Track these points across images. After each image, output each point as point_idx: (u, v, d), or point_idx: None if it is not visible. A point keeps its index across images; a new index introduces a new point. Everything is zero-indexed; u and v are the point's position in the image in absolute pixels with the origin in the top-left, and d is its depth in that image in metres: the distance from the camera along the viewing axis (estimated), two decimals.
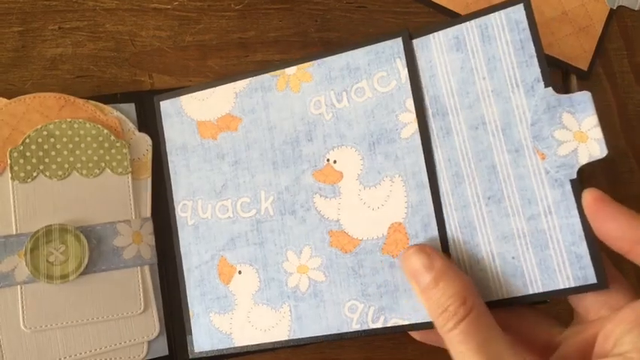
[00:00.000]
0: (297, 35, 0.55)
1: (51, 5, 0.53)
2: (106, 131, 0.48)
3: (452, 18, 0.55)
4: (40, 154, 0.47)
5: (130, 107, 0.50)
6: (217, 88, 0.49)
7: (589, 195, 0.39)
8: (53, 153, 0.47)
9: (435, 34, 0.44)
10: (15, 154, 0.46)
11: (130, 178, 0.49)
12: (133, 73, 0.53)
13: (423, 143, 0.44)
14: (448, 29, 0.44)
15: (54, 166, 0.47)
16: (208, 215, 0.48)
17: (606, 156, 0.39)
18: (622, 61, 0.58)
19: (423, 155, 0.44)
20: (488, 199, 0.42)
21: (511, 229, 0.41)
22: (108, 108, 0.49)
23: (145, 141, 0.50)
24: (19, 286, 0.45)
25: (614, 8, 0.57)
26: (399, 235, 0.44)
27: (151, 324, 0.47)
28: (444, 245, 0.43)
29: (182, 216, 0.49)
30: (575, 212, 0.40)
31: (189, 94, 0.50)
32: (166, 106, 0.51)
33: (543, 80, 0.41)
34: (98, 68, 0.53)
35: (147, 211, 0.49)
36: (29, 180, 0.46)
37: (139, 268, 0.48)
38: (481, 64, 0.43)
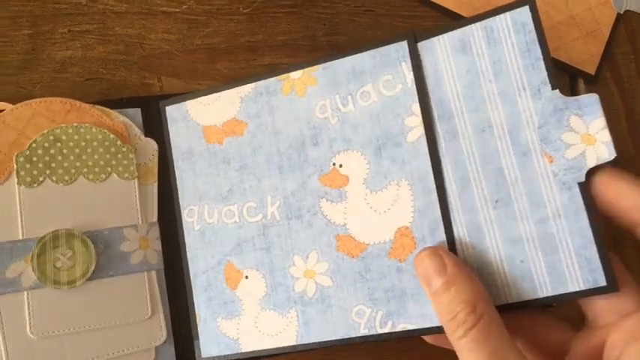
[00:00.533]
0: (306, 39, 0.52)
1: (61, 8, 0.49)
2: (112, 136, 0.44)
3: (454, 20, 0.51)
4: (47, 158, 0.43)
5: (136, 112, 0.46)
6: (222, 92, 0.46)
7: (597, 178, 0.37)
8: (60, 158, 0.43)
9: (440, 37, 0.41)
10: (21, 159, 0.42)
11: (136, 183, 0.45)
12: (142, 76, 0.50)
13: (429, 147, 0.40)
14: (453, 32, 0.40)
15: (60, 171, 0.43)
16: (215, 220, 0.45)
17: (614, 159, 0.36)
18: (629, 66, 0.54)
19: (429, 159, 0.40)
20: (496, 203, 0.39)
21: (519, 232, 0.38)
22: (114, 113, 0.45)
23: (151, 146, 0.46)
24: (25, 292, 0.41)
25: (622, 12, 0.53)
26: (406, 240, 0.40)
27: (158, 329, 0.44)
28: (451, 249, 0.39)
29: (188, 221, 0.45)
30: (584, 216, 0.37)
31: (195, 99, 0.46)
32: (172, 111, 0.47)
33: (550, 83, 0.38)
34: (107, 71, 0.49)
35: (153, 216, 0.45)
36: (35, 185, 0.42)
37: (145, 273, 0.44)
38: (487, 67, 0.39)
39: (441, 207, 0.40)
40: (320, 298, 0.42)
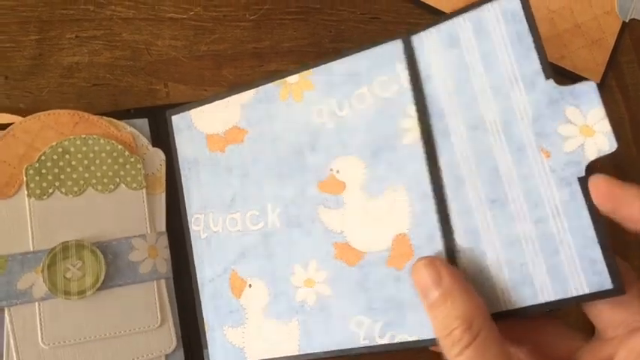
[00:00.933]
0: (312, 46, 0.50)
1: (68, 14, 0.48)
2: (120, 147, 0.43)
3: None
4: (56, 170, 0.42)
5: (144, 122, 0.46)
6: (224, 100, 0.44)
7: (593, 187, 0.33)
8: (68, 169, 0.42)
9: (429, 31, 0.38)
10: (31, 172, 0.41)
11: (144, 192, 0.44)
12: (149, 81, 0.49)
13: (425, 150, 0.38)
14: (441, 26, 0.38)
15: (69, 183, 0.42)
16: (219, 228, 0.44)
17: (615, 151, 0.33)
18: (634, 74, 0.53)
19: (425, 163, 0.38)
20: (492, 203, 0.36)
21: (518, 233, 0.35)
22: (121, 124, 0.45)
23: (158, 156, 0.45)
24: (37, 303, 0.41)
25: (627, 21, 0.52)
26: (404, 247, 0.38)
27: (168, 338, 0.43)
28: (449, 255, 0.37)
29: (195, 229, 0.45)
30: (586, 213, 0.33)
31: (198, 108, 0.45)
32: (177, 120, 0.46)
33: (544, 73, 0.34)
34: (114, 77, 0.48)
35: (162, 225, 0.45)
36: (45, 197, 0.42)
37: (155, 282, 0.44)
38: (477, 61, 0.36)
39: (438, 212, 0.37)
40: (320, 307, 0.40)
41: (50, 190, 0.42)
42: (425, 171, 0.38)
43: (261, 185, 0.42)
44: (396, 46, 0.39)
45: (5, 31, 0.47)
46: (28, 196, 0.41)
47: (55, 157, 0.42)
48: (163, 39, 0.49)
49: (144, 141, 0.45)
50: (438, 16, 0.51)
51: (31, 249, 0.41)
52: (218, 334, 0.43)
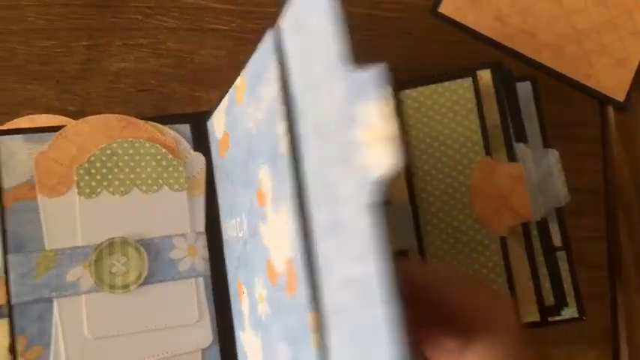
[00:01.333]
0: None
1: (117, 23, 0.50)
2: (163, 150, 0.45)
3: (487, 45, 0.51)
4: (104, 171, 0.44)
5: (186, 128, 0.47)
6: (219, 105, 0.44)
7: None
8: (116, 170, 0.44)
9: (284, 16, 0.30)
10: (81, 172, 0.43)
11: (185, 194, 0.46)
12: (191, 88, 0.50)
13: (288, 160, 0.30)
14: (288, 5, 0.29)
15: (116, 183, 0.44)
16: (230, 233, 0.44)
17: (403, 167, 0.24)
18: None
19: (290, 176, 0.30)
20: (328, 231, 0.27)
21: (347, 275, 0.25)
22: (165, 128, 0.46)
23: (199, 160, 0.46)
24: (83, 295, 0.42)
25: None
26: (292, 273, 0.31)
27: (205, 333, 0.45)
28: (313, 294, 0.29)
29: (223, 232, 0.45)
30: (379, 262, 0.23)
31: (214, 113, 0.45)
32: (209, 125, 0.46)
33: (342, 54, 0.24)
34: (158, 83, 0.50)
35: (201, 225, 0.46)
36: (94, 195, 0.43)
37: (193, 279, 0.45)
38: (311, 45, 0.27)
39: (302, 237, 0.30)
40: (267, 325, 0.36)
41: (98, 190, 0.44)
42: (289, 185, 0.31)
43: (239, 192, 0.41)
44: (270, 37, 0.32)
45: (57, 36, 0.49)
46: (78, 194, 0.43)
47: (103, 158, 0.44)
48: (206, 48, 0.51)
49: (186, 145, 0.46)
50: (467, 34, 0.52)
51: (80, 244, 0.43)
52: (237, 335, 0.44)
